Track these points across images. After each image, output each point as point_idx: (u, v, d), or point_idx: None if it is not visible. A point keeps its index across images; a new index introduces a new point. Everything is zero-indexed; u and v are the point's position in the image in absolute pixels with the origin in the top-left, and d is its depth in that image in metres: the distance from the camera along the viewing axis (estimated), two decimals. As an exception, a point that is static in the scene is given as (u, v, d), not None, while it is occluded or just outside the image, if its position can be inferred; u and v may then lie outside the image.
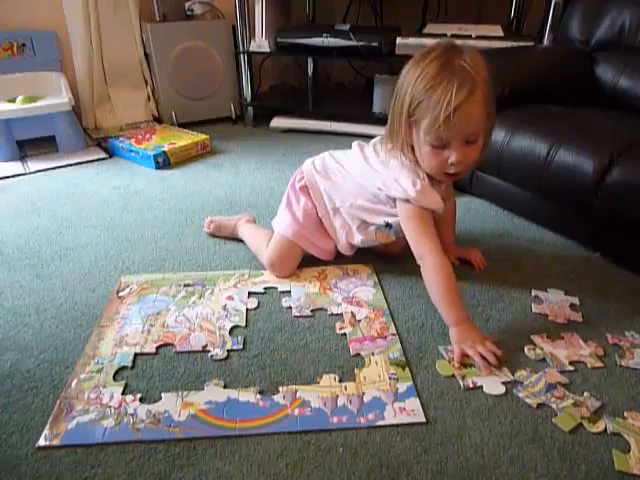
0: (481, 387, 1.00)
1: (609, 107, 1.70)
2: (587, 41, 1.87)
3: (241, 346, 1.12)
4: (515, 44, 2.06)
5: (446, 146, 1.09)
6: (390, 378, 1.03)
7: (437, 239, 1.17)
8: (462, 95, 1.01)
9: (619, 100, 1.73)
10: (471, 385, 1.01)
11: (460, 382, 1.02)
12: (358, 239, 1.33)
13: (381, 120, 2.42)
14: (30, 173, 2.08)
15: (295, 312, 1.23)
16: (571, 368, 1.05)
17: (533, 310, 1.23)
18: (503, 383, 1.01)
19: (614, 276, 1.36)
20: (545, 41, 2.12)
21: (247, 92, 2.67)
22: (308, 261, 1.39)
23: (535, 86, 1.73)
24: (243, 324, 1.19)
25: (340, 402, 0.97)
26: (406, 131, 1.13)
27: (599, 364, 1.06)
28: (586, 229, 1.47)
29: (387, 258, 1.42)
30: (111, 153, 2.28)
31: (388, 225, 1.28)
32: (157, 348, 1.11)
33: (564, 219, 1.53)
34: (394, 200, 1.21)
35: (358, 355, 1.09)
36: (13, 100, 2.16)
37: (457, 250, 1.42)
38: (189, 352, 1.10)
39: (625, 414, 0.94)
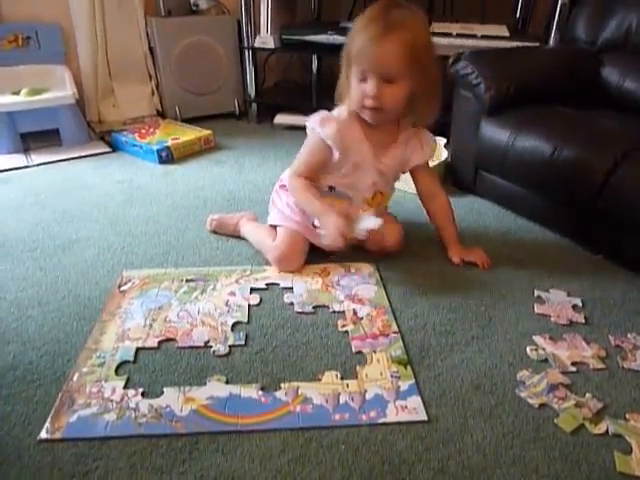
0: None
1: (614, 108, 1.70)
2: (593, 42, 1.87)
3: (243, 342, 1.12)
4: (520, 44, 2.05)
5: (366, 79, 1.20)
6: (392, 376, 1.03)
7: (309, 169, 1.34)
8: (380, 28, 1.14)
9: (624, 101, 1.73)
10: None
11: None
12: None
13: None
14: (33, 166, 2.08)
15: (297, 309, 1.23)
16: (573, 369, 1.05)
17: (535, 311, 1.23)
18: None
19: (617, 277, 1.36)
20: (551, 41, 2.12)
21: (251, 88, 2.67)
22: (311, 258, 1.39)
23: (540, 86, 1.73)
24: (245, 320, 1.19)
25: (342, 399, 0.97)
26: (347, 74, 1.25)
27: (601, 365, 1.06)
28: (589, 230, 1.47)
29: (387, 256, 1.42)
30: (114, 147, 2.27)
31: (331, 188, 1.38)
32: (159, 343, 1.11)
33: (567, 220, 1.53)
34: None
35: (360, 353, 1.09)
36: (17, 92, 2.16)
37: (462, 251, 1.43)
38: (191, 347, 1.10)
39: (627, 416, 0.95)
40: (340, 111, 1.33)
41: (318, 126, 1.30)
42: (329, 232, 1.26)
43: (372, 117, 1.27)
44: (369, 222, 1.26)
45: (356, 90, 1.23)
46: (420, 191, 1.47)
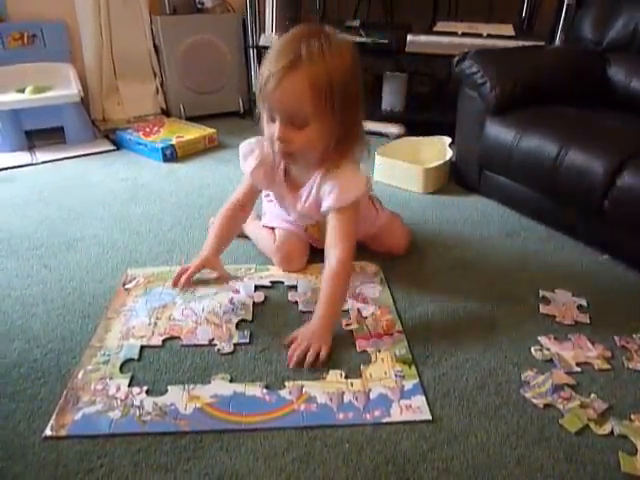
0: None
1: (621, 108, 1.69)
2: (599, 42, 1.86)
3: (247, 340, 1.12)
4: (526, 43, 2.04)
5: (274, 119, 1.07)
6: (396, 375, 1.03)
7: (242, 193, 1.33)
8: (284, 62, 1.00)
9: (631, 102, 1.72)
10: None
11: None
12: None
13: (389, 117, 2.43)
14: (38, 163, 2.08)
15: (301, 307, 1.23)
16: (578, 369, 1.05)
17: (540, 311, 1.23)
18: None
19: (622, 278, 1.36)
20: (556, 41, 2.11)
21: (255, 87, 2.66)
22: (314, 257, 1.39)
23: (546, 86, 1.72)
24: (250, 318, 1.19)
25: (346, 398, 0.97)
26: (260, 109, 1.12)
27: (606, 366, 1.06)
28: (595, 230, 1.46)
29: (390, 255, 1.42)
30: (119, 145, 2.28)
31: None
32: (163, 341, 1.11)
33: (573, 220, 1.52)
34: None
35: (364, 352, 1.09)
36: (22, 90, 2.16)
37: (305, 332, 1.11)
38: (195, 345, 1.10)
39: (632, 417, 0.94)
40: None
41: (241, 158, 1.29)
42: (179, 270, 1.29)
43: (286, 161, 1.20)
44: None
45: (266, 130, 1.11)
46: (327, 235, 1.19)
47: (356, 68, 1.07)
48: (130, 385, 0.99)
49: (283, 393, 0.98)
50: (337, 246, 1.14)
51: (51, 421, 0.91)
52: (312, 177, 1.20)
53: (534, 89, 1.69)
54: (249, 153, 1.26)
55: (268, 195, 1.44)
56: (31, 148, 2.20)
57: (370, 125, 2.42)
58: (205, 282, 1.31)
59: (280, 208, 1.37)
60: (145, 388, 0.98)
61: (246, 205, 1.34)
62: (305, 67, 0.99)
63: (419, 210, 1.72)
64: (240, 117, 2.75)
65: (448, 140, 1.97)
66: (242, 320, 1.18)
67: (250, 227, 1.49)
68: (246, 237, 1.50)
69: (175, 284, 1.27)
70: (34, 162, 2.09)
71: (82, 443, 0.88)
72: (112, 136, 2.34)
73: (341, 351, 1.09)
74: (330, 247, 1.15)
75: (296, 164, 1.21)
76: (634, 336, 1.15)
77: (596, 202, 1.35)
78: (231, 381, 1.01)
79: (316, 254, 1.38)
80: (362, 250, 1.40)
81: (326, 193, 1.16)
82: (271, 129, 1.08)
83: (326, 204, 1.16)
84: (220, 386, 0.99)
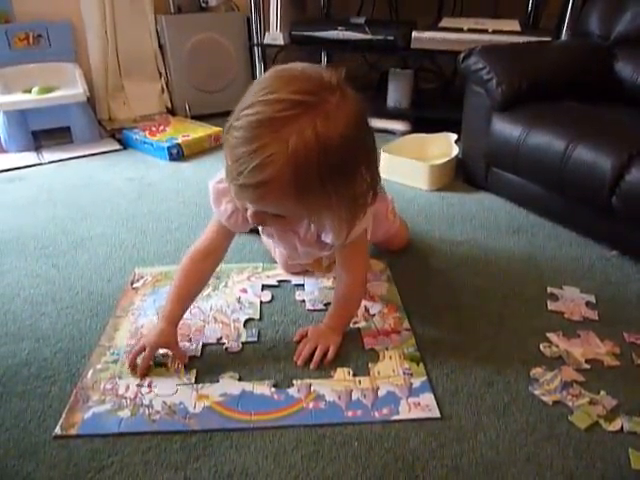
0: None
1: (628, 104, 1.67)
2: (606, 36, 1.85)
3: (255, 338, 1.12)
4: (532, 39, 2.03)
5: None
6: (404, 373, 1.03)
7: (208, 239, 1.09)
8: (257, 179, 0.75)
9: (638, 96, 1.71)
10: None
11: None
12: None
13: (395, 114, 2.42)
14: (45, 164, 2.09)
15: (309, 306, 1.23)
16: (587, 366, 1.04)
17: (549, 307, 1.22)
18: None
19: (631, 274, 1.35)
20: (563, 36, 2.10)
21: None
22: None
23: (552, 82, 1.71)
24: (257, 317, 1.19)
25: (354, 396, 0.97)
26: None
27: (615, 362, 1.06)
28: (603, 227, 1.45)
29: (397, 252, 1.42)
30: (125, 145, 2.28)
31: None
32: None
33: (580, 216, 1.51)
34: None
35: (372, 349, 1.09)
36: (29, 91, 2.17)
37: (314, 331, 1.11)
38: (204, 344, 1.10)
39: (642, 413, 0.94)
40: None
41: (212, 201, 1.06)
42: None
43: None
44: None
45: (234, 193, 0.85)
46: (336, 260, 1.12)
47: (360, 138, 0.82)
48: (139, 384, 1.00)
49: (291, 391, 0.98)
50: (349, 269, 1.09)
51: (61, 420, 0.91)
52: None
53: (541, 85, 1.68)
54: (222, 195, 1.03)
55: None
56: (38, 148, 2.21)
57: (376, 122, 2.41)
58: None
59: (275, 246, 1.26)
60: (154, 387, 0.99)
61: (216, 252, 1.11)
62: (292, 171, 0.74)
63: (425, 207, 1.71)
64: (245, 115, 2.74)
65: (454, 137, 1.97)
66: (250, 319, 1.18)
67: None
68: (257, 232, 1.48)
69: (133, 370, 1.03)
70: (41, 162, 2.10)
71: (93, 442, 0.88)
72: (118, 135, 2.35)
73: (349, 349, 1.09)
74: (342, 270, 1.10)
75: None
76: (643, 332, 1.14)
77: (604, 198, 1.34)
78: (239, 380, 1.01)
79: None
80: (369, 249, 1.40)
81: (326, 232, 1.01)
82: (241, 200, 0.85)
83: (329, 240, 1.02)
84: (229, 385, 1.00)
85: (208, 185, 1.07)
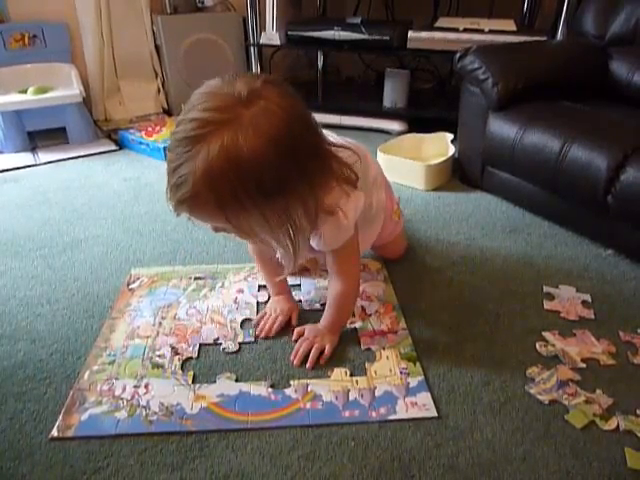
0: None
1: (623, 103, 1.68)
2: (601, 36, 1.85)
3: (252, 338, 1.12)
4: (528, 39, 2.04)
5: None
6: (401, 372, 1.03)
7: None
8: (173, 197, 0.78)
9: (633, 96, 1.71)
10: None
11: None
12: None
13: (391, 114, 2.42)
14: (41, 164, 2.09)
15: (305, 306, 1.23)
16: (583, 365, 1.05)
17: (545, 307, 1.22)
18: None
19: (627, 273, 1.35)
20: (558, 35, 2.10)
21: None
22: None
23: (548, 81, 1.71)
24: (254, 317, 1.19)
25: (351, 396, 0.97)
26: None
27: (611, 361, 1.06)
28: (599, 226, 1.46)
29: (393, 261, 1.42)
30: (121, 145, 2.28)
31: None
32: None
33: (576, 215, 1.51)
34: None
35: (369, 349, 1.09)
36: (24, 91, 2.17)
37: (312, 330, 1.12)
38: (200, 345, 1.10)
39: (638, 412, 0.94)
40: None
41: None
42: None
43: None
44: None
45: None
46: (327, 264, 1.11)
47: (286, 147, 0.75)
48: (136, 385, 0.99)
49: (288, 392, 0.98)
50: (341, 272, 1.07)
51: (58, 422, 0.91)
52: None
53: (536, 84, 1.68)
54: None
55: None
56: (34, 149, 2.20)
57: (372, 122, 2.42)
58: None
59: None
60: (151, 388, 0.99)
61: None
62: (207, 189, 0.73)
63: (422, 207, 1.72)
64: (242, 115, 2.74)
65: (450, 136, 1.97)
66: (247, 319, 1.18)
67: None
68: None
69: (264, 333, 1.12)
70: (37, 163, 2.09)
71: (88, 443, 0.88)
72: (114, 136, 2.34)
73: (346, 349, 1.09)
74: (333, 272, 1.08)
75: None
76: (639, 331, 1.14)
77: (600, 197, 1.34)
78: (236, 380, 1.01)
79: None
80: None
81: (313, 237, 0.98)
82: (178, 212, 0.83)
83: (316, 246, 1.01)
84: (226, 385, 1.00)
85: None
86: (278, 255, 1.12)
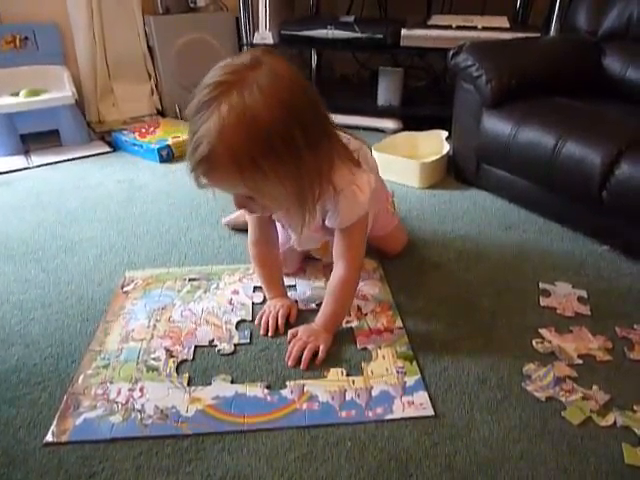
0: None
1: (617, 98, 1.68)
2: (594, 32, 1.85)
3: (248, 340, 1.11)
4: (521, 35, 2.03)
5: None
6: (398, 372, 1.02)
7: (255, 231, 1.20)
8: (196, 158, 0.84)
9: (627, 91, 1.71)
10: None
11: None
12: None
13: (386, 112, 2.42)
14: (34, 167, 2.07)
15: (301, 306, 1.22)
16: (580, 361, 1.05)
17: (541, 303, 1.22)
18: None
19: (622, 269, 1.35)
20: (551, 32, 2.11)
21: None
22: (313, 257, 1.38)
23: (542, 77, 1.71)
24: (249, 318, 1.18)
25: (348, 396, 0.97)
26: None
27: (608, 357, 1.06)
28: (594, 222, 1.46)
29: (391, 258, 1.41)
30: (115, 147, 2.27)
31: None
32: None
33: (571, 212, 1.51)
34: None
35: (365, 349, 1.09)
36: (16, 94, 2.15)
37: (305, 331, 1.11)
38: (195, 347, 1.09)
39: (634, 407, 0.94)
40: None
41: None
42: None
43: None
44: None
45: None
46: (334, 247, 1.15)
47: (299, 106, 0.84)
48: (131, 389, 0.99)
49: (285, 393, 0.98)
50: (345, 256, 1.10)
51: (52, 427, 0.90)
52: None
53: (530, 81, 1.68)
54: None
55: None
56: (26, 152, 2.19)
57: (366, 120, 2.42)
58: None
59: (284, 231, 1.26)
60: (146, 391, 0.98)
61: (267, 234, 1.21)
62: (223, 147, 0.81)
63: (417, 205, 1.71)
64: (236, 116, 2.73)
65: (445, 134, 1.96)
66: (242, 320, 1.18)
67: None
68: (246, 231, 1.48)
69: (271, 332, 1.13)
70: (30, 166, 2.08)
71: (83, 448, 0.87)
72: (108, 138, 2.33)
73: (342, 348, 1.09)
74: (338, 257, 1.11)
75: None
76: (635, 327, 1.14)
77: (594, 193, 1.34)
78: (232, 382, 1.00)
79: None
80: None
81: (328, 216, 1.07)
82: (197, 182, 0.92)
83: (330, 224, 1.08)
84: (221, 387, 0.99)
85: None
86: (291, 234, 1.19)
